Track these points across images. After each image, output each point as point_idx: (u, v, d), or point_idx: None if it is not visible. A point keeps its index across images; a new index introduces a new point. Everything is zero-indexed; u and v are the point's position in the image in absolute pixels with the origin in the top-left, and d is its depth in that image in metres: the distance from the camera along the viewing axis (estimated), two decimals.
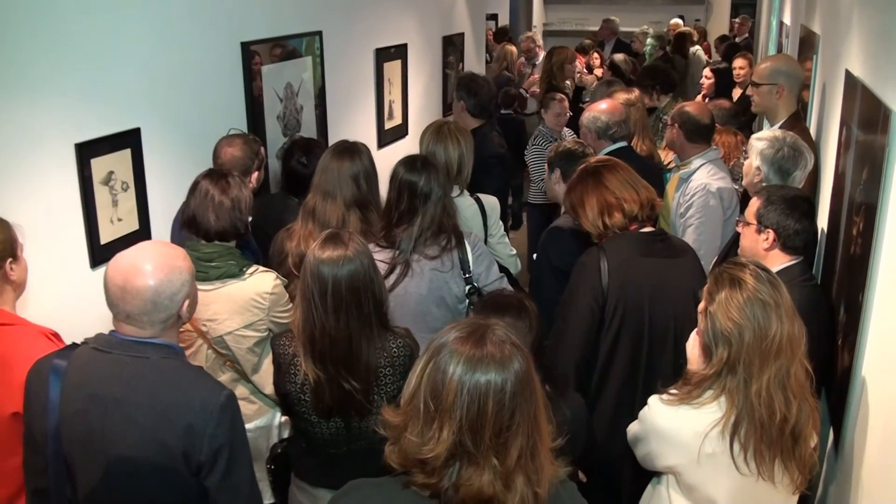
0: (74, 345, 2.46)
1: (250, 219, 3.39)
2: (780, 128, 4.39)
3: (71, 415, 2.32)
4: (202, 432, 2.28)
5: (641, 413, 2.71)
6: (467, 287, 3.48)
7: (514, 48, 10.70)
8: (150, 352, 2.34)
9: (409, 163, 3.50)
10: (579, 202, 3.47)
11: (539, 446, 1.86)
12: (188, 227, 3.32)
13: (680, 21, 14.26)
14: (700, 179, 4.48)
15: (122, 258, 2.35)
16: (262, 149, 4.10)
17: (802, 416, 2.43)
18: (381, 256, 3.39)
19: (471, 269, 3.47)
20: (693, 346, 2.64)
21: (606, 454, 3.20)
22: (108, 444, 2.29)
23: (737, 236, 3.48)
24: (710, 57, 12.68)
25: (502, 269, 4.20)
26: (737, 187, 4.57)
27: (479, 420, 1.78)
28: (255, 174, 3.92)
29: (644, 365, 3.31)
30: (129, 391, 2.29)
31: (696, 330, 2.64)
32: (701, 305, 2.59)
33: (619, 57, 9.78)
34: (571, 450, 2.72)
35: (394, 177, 3.49)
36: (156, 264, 2.33)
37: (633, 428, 2.79)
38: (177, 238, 3.80)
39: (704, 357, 2.55)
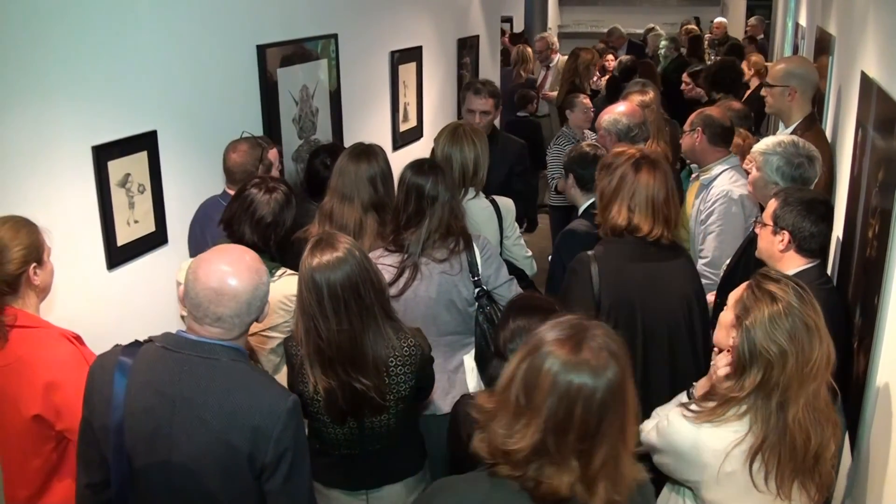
0: (138, 342, 2.46)
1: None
2: (795, 130, 4.37)
3: (137, 411, 2.32)
4: (269, 435, 2.29)
5: (660, 426, 2.62)
6: (476, 290, 3.47)
7: (530, 49, 10.71)
8: (219, 353, 2.35)
9: (416, 166, 3.51)
10: (604, 179, 3.40)
11: (623, 454, 1.89)
12: (224, 226, 3.36)
13: (724, 20, 14.00)
14: (722, 186, 4.42)
15: (211, 262, 2.36)
16: (273, 151, 4.08)
17: (826, 436, 2.37)
18: (390, 260, 3.40)
19: (479, 271, 3.47)
20: (722, 361, 2.53)
21: None
22: (173, 442, 2.30)
23: (751, 239, 3.46)
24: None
25: (517, 270, 4.21)
26: None
27: (565, 422, 1.82)
28: None
29: (640, 369, 3.28)
30: (199, 391, 2.31)
31: (726, 345, 2.54)
32: (729, 316, 2.52)
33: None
34: None
35: (402, 180, 3.50)
36: (246, 267, 2.37)
37: (649, 435, 2.69)
38: (197, 237, 3.84)
39: (734, 372, 2.45)
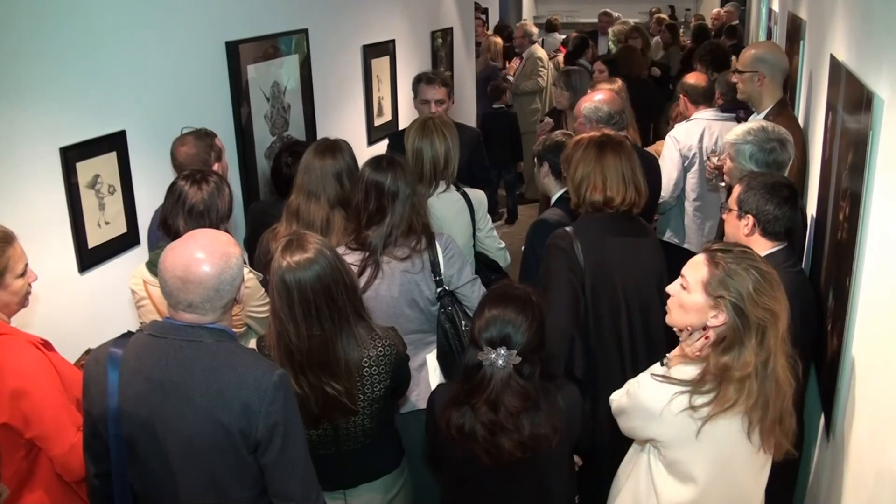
0: (130, 333, 2.53)
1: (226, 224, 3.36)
2: (767, 116, 4.39)
3: (130, 398, 2.38)
4: (258, 410, 2.34)
5: (631, 390, 2.65)
6: (438, 289, 3.44)
7: (499, 40, 10.71)
8: (204, 335, 2.40)
9: (374, 162, 3.46)
10: (572, 163, 3.48)
11: None
12: (162, 227, 3.32)
13: (721, 12, 13.73)
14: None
15: (177, 250, 2.38)
16: (218, 140, 3.96)
17: (796, 372, 2.50)
18: (351, 259, 3.34)
19: (442, 271, 3.43)
20: (698, 344, 2.54)
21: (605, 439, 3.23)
22: (167, 425, 2.36)
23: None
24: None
25: (491, 261, 4.20)
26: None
27: None
28: (216, 165, 3.82)
29: (627, 343, 3.39)
30: (186, 373, 2.36)
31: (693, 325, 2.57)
32: (699, 299, 2.50)
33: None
34: (568, 437, 2.75)
35: (360, 178, 3.45)
36: (212, 252, 2.37)
37: (620, 400, 2.73)
38: (152, 237, 3.79)
39: (714, 350, 2.46)
